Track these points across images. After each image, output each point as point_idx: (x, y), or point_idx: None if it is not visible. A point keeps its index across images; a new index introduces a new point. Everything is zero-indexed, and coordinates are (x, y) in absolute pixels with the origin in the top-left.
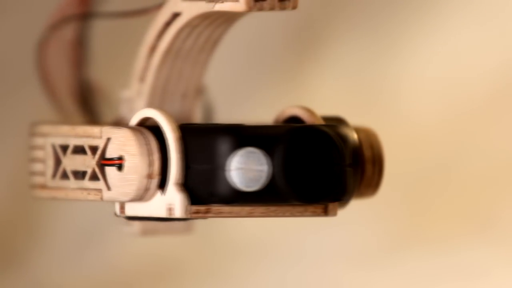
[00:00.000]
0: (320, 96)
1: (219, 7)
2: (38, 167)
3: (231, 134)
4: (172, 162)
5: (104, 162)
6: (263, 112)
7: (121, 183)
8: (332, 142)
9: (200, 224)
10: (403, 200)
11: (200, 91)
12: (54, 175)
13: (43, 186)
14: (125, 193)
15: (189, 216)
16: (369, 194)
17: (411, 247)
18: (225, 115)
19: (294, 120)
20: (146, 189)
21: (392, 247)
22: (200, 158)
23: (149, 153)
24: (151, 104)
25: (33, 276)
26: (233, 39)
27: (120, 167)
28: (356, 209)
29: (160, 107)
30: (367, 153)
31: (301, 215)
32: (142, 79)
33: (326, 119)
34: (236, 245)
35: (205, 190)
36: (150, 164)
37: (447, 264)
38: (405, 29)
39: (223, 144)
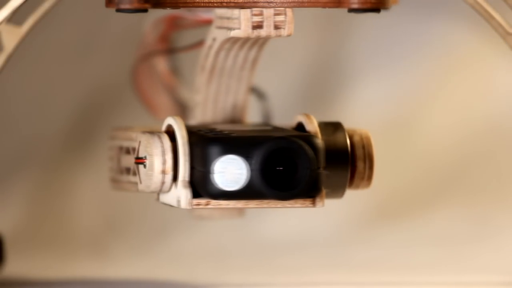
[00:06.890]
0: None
1: (230, 34)
2: (111, 164)
3: (216, 144)
4: (180, 163)
5: (136, 161)
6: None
7: (145, 177)
8: (301, 150)
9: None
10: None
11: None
12: (118, 171)
13: (113, 180)
14: (148, 186)
15: (191, 207)
16: (363, 186)
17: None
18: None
19: (300, 125)
20: (162, 183)
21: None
22: (198, 161)
23: (163, 153)
24: (204, 113)
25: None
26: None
27: (144, 165)
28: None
29: (213, 115)
30: (358, 152)
31: (292, 206)
32: (197, 92)
33: (325, 123)
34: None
35: (201, 187)
36: (163, 162)
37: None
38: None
39: (210, 152)
